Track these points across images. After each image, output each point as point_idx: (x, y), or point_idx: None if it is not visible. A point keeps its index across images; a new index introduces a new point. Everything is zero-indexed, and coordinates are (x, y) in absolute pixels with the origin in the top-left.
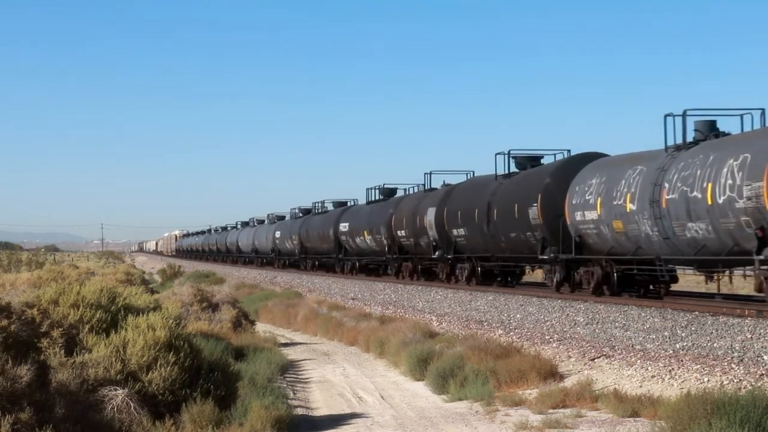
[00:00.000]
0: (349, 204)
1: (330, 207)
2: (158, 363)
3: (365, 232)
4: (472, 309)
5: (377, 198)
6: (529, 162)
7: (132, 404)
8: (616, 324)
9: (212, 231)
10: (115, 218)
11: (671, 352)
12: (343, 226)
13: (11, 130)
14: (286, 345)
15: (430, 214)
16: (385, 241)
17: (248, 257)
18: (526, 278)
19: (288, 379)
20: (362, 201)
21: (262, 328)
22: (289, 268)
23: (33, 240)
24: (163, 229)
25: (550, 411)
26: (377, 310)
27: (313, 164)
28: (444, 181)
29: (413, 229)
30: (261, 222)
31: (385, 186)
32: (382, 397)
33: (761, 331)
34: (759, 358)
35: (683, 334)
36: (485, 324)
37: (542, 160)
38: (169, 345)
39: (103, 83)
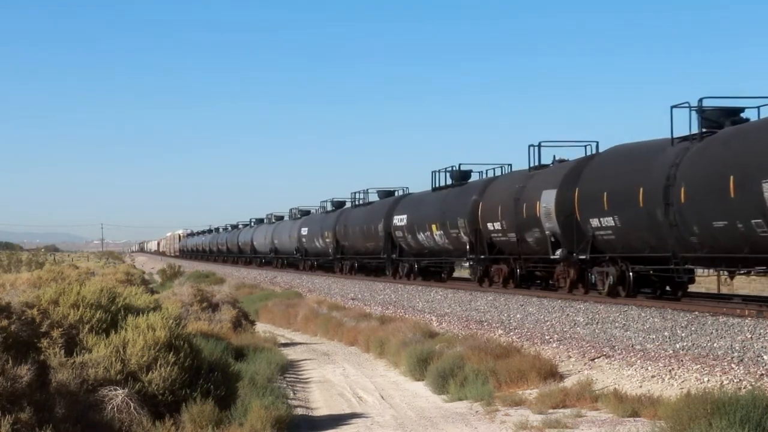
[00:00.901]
0: (398, 192)
1: (374, 198)
2: (158, 363)
3: (434, 225)
4: (472, 309)
5: (448, 183)
6: (727, 117)
7: (132, 404)
8: (616, 324)
9: (220, 229)
10: (115, 218)
11: (671, 352)
12: (399, 220)
13: (11, 130)
14: (286, 345)
15: (547, 199)
16: (466, 237)
17: (265, 258)
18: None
19: (288, 379)
20: (414, 189)
21: (262, 328)
22: (318, 271)
23: (33, 240)
24: (163, 229)
25: (550, 411)
26: (377, 310)
27: (314, 165)
28: (555, 157)
29: (515, 220)
30: (280, 218)
31: (461, 167)
32: (382, 397)
33: (761, 331)
34: (759, 358)
35: (683, 334)
36: (485, 324)
37: (742, 115)
38: (169, 345)
39: (103, 83)
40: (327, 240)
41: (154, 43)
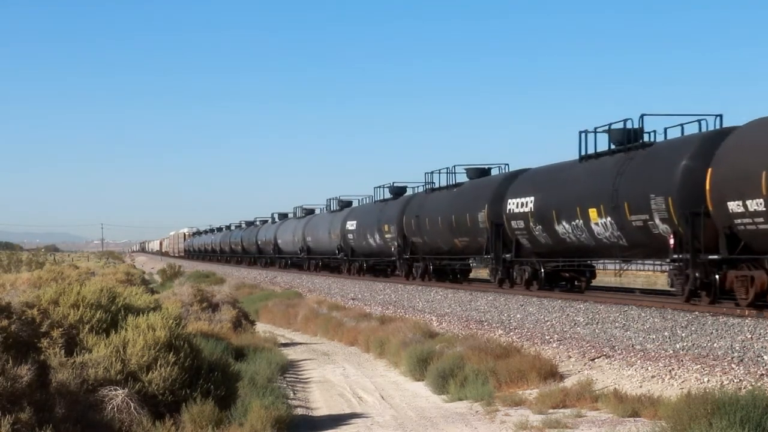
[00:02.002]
0: (495, 171)
1: (456, 179)
2: (158, 363)
3: (593, 211)
4: (472, 309)
5: (609, 148)
6: None
7: (132, 404)
8: (616, 324)
9: (233, 227)
10: (116, 218)
11: (671, 352)
12: (518, 204)
13: (11, 130)
14: (286, 345)
15: None
16: (664, 227)
17: (292, 259)
18: None
19: (288, 379)
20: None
21: (262, 328)
22: (367, 276)
23: (33, 240)
24: (163, 229)
25: (550, 411)
26: (377, 310)
27: (315, 165)
28: None
29: None
30: (310, 212)
31: (643, 120)
32: (382, 397)
33: (761, 331)
34: (759, 358)
35: (683, 334)
36: (485, 324)
37: None
38: (169, 345)
39: (103, 83)
40: (387, 236)
41: (154, 43)
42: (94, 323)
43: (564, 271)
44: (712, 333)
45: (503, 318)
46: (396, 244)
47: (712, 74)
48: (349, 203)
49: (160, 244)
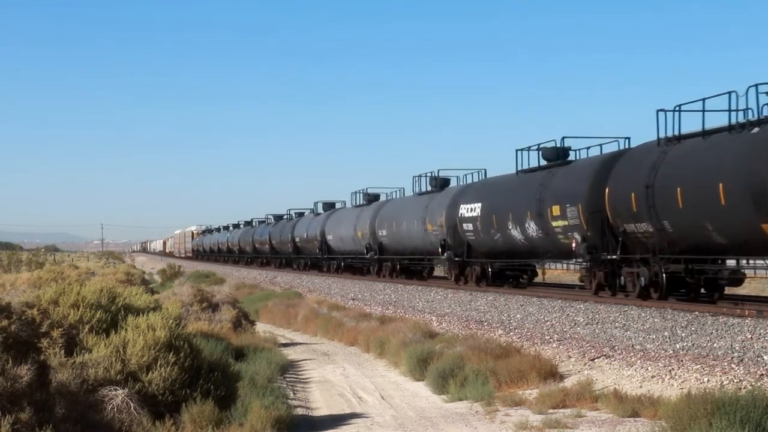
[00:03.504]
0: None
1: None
2: (158, 363)
3: None
4: (472, 309)
5: None
6: None
7: (132, 404)
8: (616, 324)
9: (255, 222)
10: (116, 218)
11: (671, 352)
12: None
13: (11, 130)
14: (286, 345)
15: None
16: None
17: (348, 261)
18: None
19: (288, 379)
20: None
21: (262, 328)
22: (498, 289)
23: (33, 240)
24: (163, 229)
25: (550, 411)
26: (377, 310)
27: (314, 165)
28: None
29: None
30: (374, 198)
31: None
32: (382, 397)
33: (761, 331)
34: (759, 358)
35: (683, 334)
36: (485, 324)
37: None
38: (169, 345)
39: (103, 83)
40: (557, 225)
41: (154, 43)
42: (94, 323)
43: None
44: (712, 333)
45: (503, 318)
46: (579, 237)
47: None
48: (446, 181)
49: (164, 244)
